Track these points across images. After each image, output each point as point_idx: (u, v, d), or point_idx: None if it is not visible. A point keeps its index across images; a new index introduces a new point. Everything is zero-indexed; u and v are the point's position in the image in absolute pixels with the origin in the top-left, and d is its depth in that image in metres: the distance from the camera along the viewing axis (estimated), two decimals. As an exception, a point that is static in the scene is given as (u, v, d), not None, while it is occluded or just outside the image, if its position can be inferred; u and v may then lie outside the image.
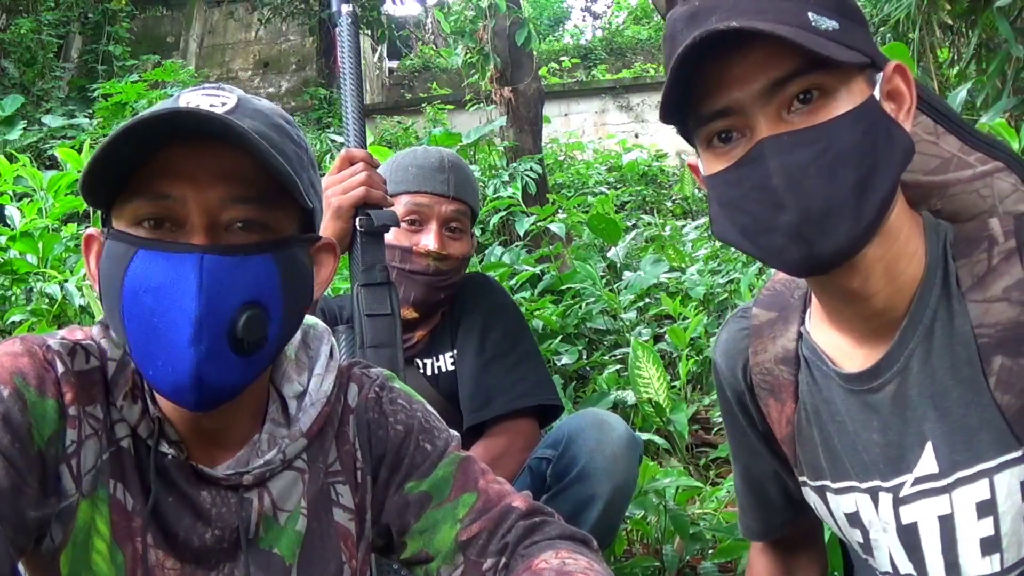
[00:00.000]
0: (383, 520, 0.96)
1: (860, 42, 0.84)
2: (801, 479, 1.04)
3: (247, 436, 0.90)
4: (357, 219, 1.40)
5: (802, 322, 1.02)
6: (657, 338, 3.38)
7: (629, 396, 2.63)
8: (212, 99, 0.81)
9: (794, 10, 0.81)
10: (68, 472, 0.81)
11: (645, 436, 2.15)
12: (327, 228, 1.36)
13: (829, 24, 0.82)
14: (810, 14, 0.82)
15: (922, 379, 0.90)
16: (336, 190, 1.39)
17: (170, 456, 0.86)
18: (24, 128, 6.61)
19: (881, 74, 0.86)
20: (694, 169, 0.95)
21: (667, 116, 0.89)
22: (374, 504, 0.96)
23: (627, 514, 1.77)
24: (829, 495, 1.00)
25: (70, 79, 8.97)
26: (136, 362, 0.80)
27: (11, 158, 3.70)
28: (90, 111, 7.25)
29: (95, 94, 7.30)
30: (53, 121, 6.86)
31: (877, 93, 0.85)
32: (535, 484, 1.55)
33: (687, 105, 0.86)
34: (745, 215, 0.85)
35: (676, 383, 2.91)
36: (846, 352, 0.96)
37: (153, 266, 0.77)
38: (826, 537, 1.24)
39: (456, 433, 1.01)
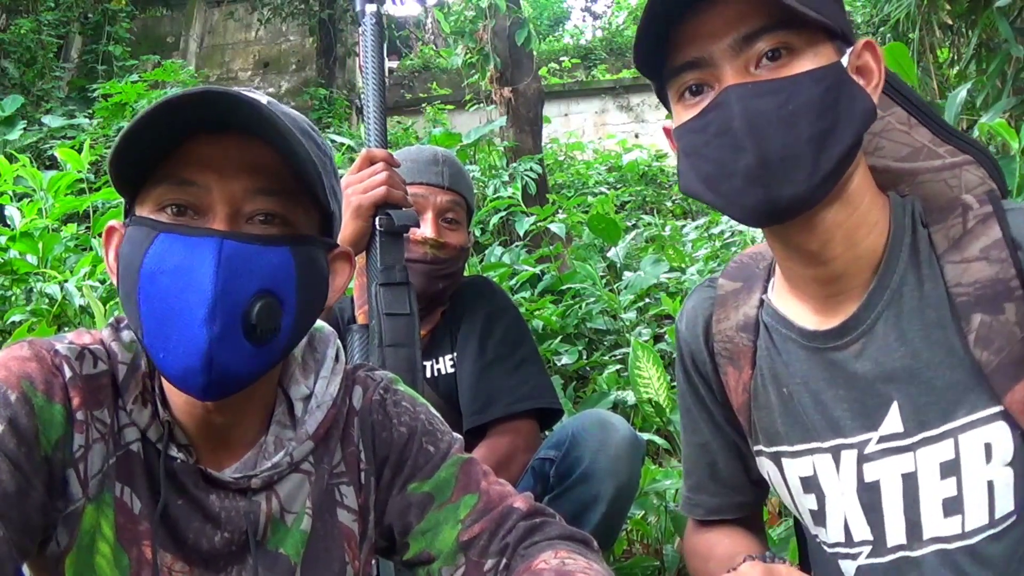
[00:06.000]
0: (386, 521, 0.97)
1: (831, 14, 0.88)
2: (756, 448, 1.06)
3: (254, 439, 0.91)
4: (377, 219, 1.40)
5: (765, 290, 1.05)
6: (657, 338, 3.38)
7: (629, 396, 2.62)
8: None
9: None
10: (75, 476, 0.81)
11: (645, 436, 2.14)
12: (346, 227, 1.36)
13: None
14: None
15: (889, 341, 0.93)
16: (356, 189, 1.39)
17: (179, 460, 0.86)
18: (24, 128, 6.59)
19: (851, 49, 0.90)
20: (667, 133, 0.98)
21: (641, 64, 0.93)
22: (377, 505, 0.97)
23: (628, 514, 1.77)
24: (784, 460, 1.02)
25: (70, 79, 8.95)
26: (148, 348, 0.80)
27: (11, 158, 3.69)
28: (90, 111, 7.24)
29: (95, 94, 7.28)
30: (53, 121, 6.84)
31: (845, 62, 0.88)
32: (538, 485, 1.55)
33: (662, 57, 0.90)
34: (708, 162, 0.89)
35: (676, 383, 2.90)
36: (805, 319, 0.99)
37: (172, 248, 0.77)
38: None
39: (459, 436, 1.01)
